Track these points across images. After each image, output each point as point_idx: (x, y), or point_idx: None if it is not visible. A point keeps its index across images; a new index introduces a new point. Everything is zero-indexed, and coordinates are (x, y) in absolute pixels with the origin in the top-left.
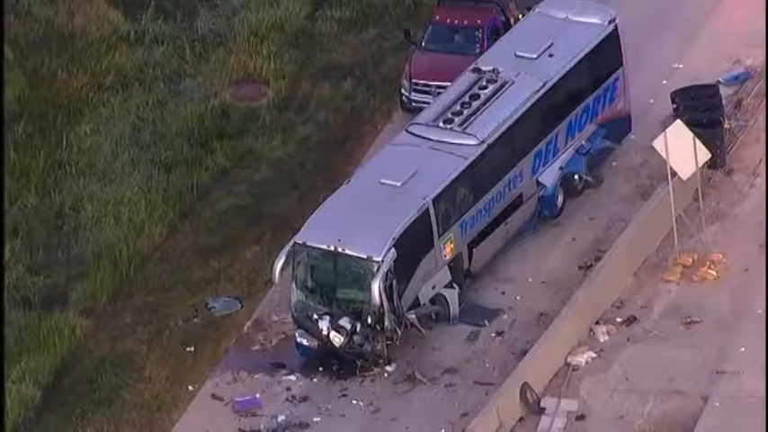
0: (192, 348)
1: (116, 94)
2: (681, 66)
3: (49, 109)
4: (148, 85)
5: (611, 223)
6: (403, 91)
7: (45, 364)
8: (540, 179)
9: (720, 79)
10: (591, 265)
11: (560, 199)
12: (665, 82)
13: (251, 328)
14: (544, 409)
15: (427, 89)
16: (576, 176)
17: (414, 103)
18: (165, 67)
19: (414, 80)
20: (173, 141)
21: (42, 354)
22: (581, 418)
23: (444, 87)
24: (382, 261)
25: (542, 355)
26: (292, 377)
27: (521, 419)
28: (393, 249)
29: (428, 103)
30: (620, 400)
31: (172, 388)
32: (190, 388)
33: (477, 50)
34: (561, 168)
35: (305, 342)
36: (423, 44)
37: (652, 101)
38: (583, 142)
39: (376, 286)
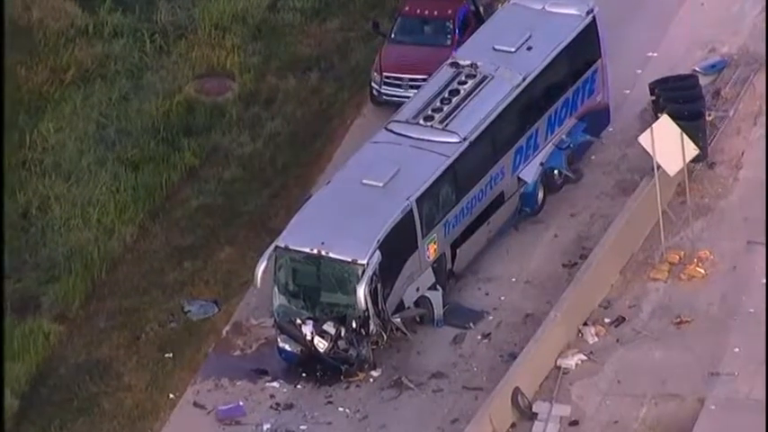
0: (171, 354)
1: (78, 90)
2: (655, 54)
3: (10, 106)
4: (110, 80)
5: (593, 219)
6: (373, 84)
7: (21, 372)
8: (520, 176)
9: (697, 68)
10: (575, 264)
11: (541, 195)
12: (639, 71)
13: (230, 333)
14: (536, 414)
15: (398, 82)
16: (556, 171)
17: (385, 97)
18: (126, 60)
19: (384, 73)
20: (138, 139)
21: (17, 361)
22: (574, 423)
23: (416, 80)
24: (367, 264)
25: (532, 359)
26: (275, 384)
27: (513, 425)
28: (378, 252)
29: (399, 96)
30: (613, 404)
31: (152, 396)
32: (171, 396)
33: (449, 42)
34: (542, 164)
35: (287, 347)
36: (392, 36)
37: (628, 91)
38: (563, 137)
39: (361, 290)
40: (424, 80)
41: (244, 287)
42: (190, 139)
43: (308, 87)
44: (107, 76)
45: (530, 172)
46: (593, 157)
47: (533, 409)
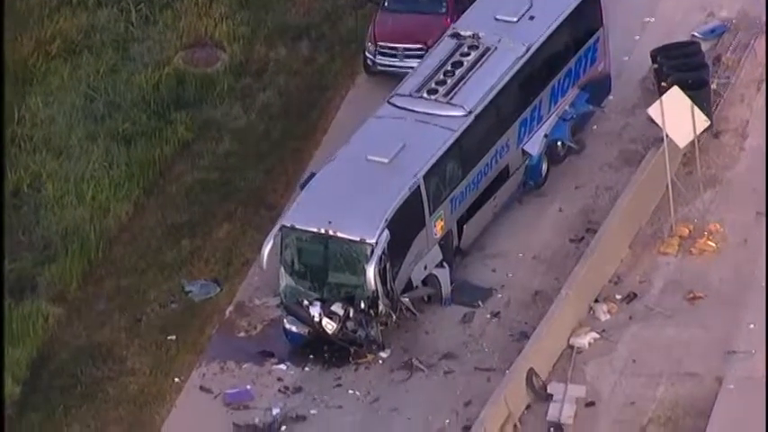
0: (174, 337)
1: (64, 63)
2: (652, 20)
3: None
4: (96, 52)
5: (597, 192)
6: (367, 54)
7: (21, 358)
8: (525, 148)
9: (696, 33)
10: (582, 238)
11: (545, 168)
12: (637, 38)
13: (233, 314)
14: (551, 395)
15: (393, 52)
16: (559, 143)
17: (379, 67)
18: (112, 31)
19: (379, 42)
20: (129, 112)
21: (17, 346)
22: (591, 404)
23: (411, 50)
24: (376, 243)
25: (545, 339)
26: (283, 366)
27: (528, 407)
28: (386, 231)
29: (395, 66)
30: (629, 384)
31: (157, 380)
32: (176, 380)
33: (444, 9)
34: (546, 136)
35: (294, 329)
36: (385, 4)
37: (626, 58)
38: (566, 107)
39: (371, 270)
40: (419, 50)
41: (245, 266)
42: (181, 112)
43: (300, 57)
44: (93, 48)
45: (534, 144)
46: (594, 128)
47: (548, 391)
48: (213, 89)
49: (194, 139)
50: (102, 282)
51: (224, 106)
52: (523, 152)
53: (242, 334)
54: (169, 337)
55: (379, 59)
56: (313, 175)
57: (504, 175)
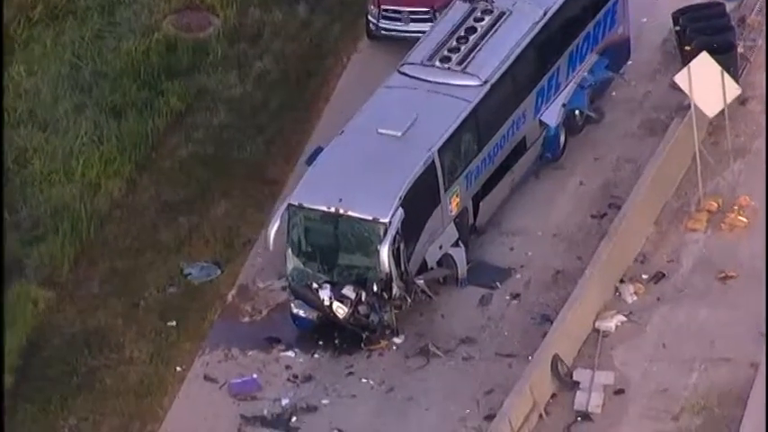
0: (174, 322)
1: (47, 29)
2: None
3: None
4: (81, 17)
5: (619, 163)
6: (370, 18)
7: (12, 345)
8: (542, 119)
9: None
10: (605, 214)
11: (563, 139)
12: None
13: (236, 298)
14: (577, 383)
15: (398, 15)
16: (577, 112)
17: (383, 31)
18: None
19: (382, 6)
20: (117, 82)
21: (7, 333)
22: (620, 392)
23: (417, 13)
24: (390, 223)
25: (569, 322)
26: (290, 354)
27: (553, 396)
28: (400, 209)
29: (399, 30)
30: (660, 370)
31: (158, 369)
32: (178, 369)
33: None
34: (564, 105)
35: (302, 313)
36: None
37: (645, 19)
38: (585, 74)
39: (385, 251)
40: (425, 13)
41: (246, 246)
42: (173, 81)
43: (297, 21)
44: (77, 13)
45: (552, 114)
46: (613, 94)
47: (574, 378)
48: (206, 56)
49: (187, 111)
50: (94, 263)
51: (218, 74)
52: (541, 123)
53: (246, 319)
54: (169, 323)
55: (383, 23)
56: (319, 149)
57: (520, 148)
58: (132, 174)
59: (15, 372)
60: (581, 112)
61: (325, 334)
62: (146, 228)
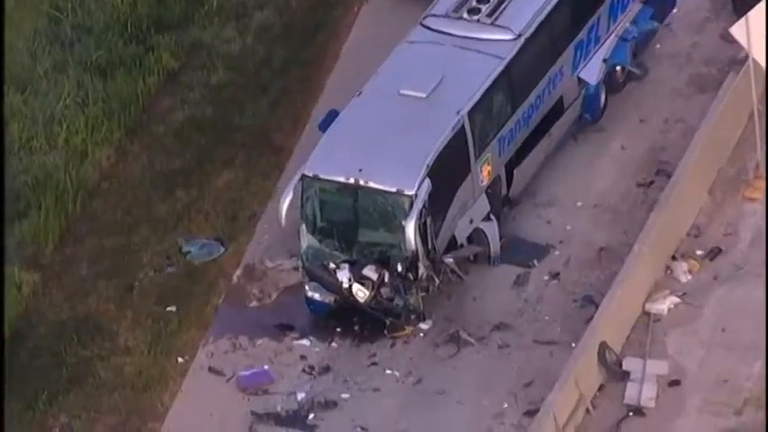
0: (173, 308)
1: None
2: None
3: None
4: None
5: (667, 125)
6: None
7: None
8: (581, 76)
9: None
10: (652, 182)
11: (603, 98)
12: None
13: (242, 279)
14: (627, 373)
15: None
16: (618, 68)
17: None
18: None
19: None
20: (102, 37)
21: None
22: (675, 383)
23: None
24: (416, 195)
25: (617, 305)
26: (305, 342)
27: (600, 388)
28: (427, 179)
29: None
30: (719, 358)
31: (157, 360)
32: (180, 360)
33: None
34: (605, 60)
35: (317, 297)
36: None
37: None
38: (627, 25)
39: (411, 226)
40: None
41: (252, 221)
42: (164, 35)
43: None
44: None
45: (592, 70)
46: (658, 47)
47: (623, 367)
48: (200, 6)
49: (181, 68)
50: (82, 241)
51: (214, 27)
52: (579, 80)
53: (254, 303)
54: (168, 309)
55: None
56: (334, 113)
57: (557, 109)
58: (122, 140)
59: None
60: (623, 68)
61: (344, 320)
62: (138, 201)
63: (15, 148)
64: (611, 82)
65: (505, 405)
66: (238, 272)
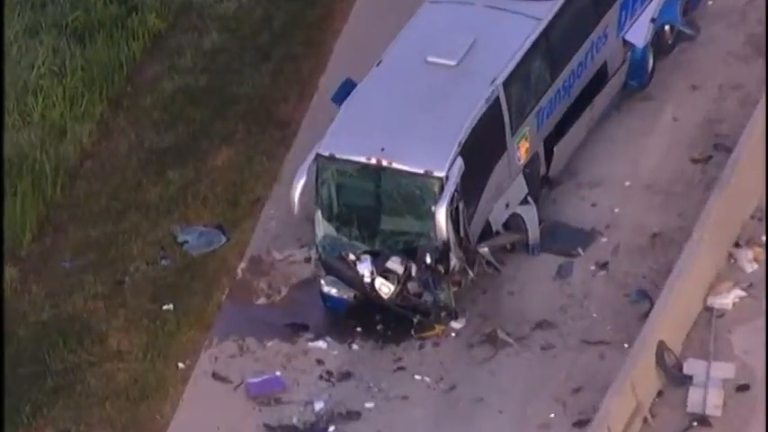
0: (170, 306)
1: None
2: None
3: None
4: None
5: (722, 92)
6: None
7: None
8: (627, 38)
9: None
10: (710, 157)
11: (651, 62)
12: None
13: (247, 272)
14: (689, 377)
15: None
16: (667, 27)
17: None
18: None
19: None
20: None
21: None
22: (744, 388)
23: None
24: (447, 177)
25: (676, 300)
26: (321, 344)
27: (659, 394)
28: (459, 158)
29: None
30: None
31: (154, 366)
32: (180, 365)
33: None
34: (653, 20)
35: (334, 292)
36: None
37: None
38: None
39: (441, 212)
40: None
41: (256, 206)
42: None
43: None
44: None
45: (639, 31)
46: (710, 3)
47: (684, 371)
48: None
49: (169, 31)
50: (64, 230)
51: None
52: (624, 43)
53: (262, 300)
54: (164, 307)
55: None
56: (350, 83)
57: (601, 76)
58: (104, 114)
59: None
60: (672, 28)
61: (365, 318)
62: (126, 183)
63: None
64: (659, 44)
65: (552, 414)
66: (243, 264)
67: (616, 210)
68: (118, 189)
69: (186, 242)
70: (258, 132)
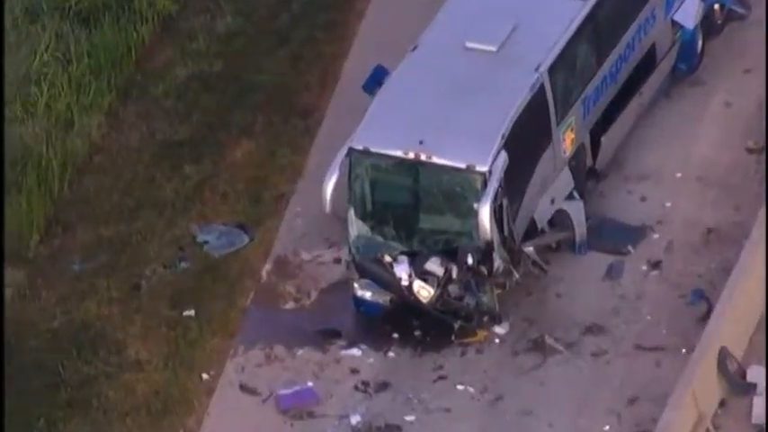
0: (192, 312)
1: None
2: None
3: None
4: None
5: None
6: None
7: None
8: (676, 18)
9: None
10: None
11: (700, 44)
12: None
13: (272, 275)
14: (753, 385)
15: None
16: (717, 6)
17: None
18: None
19: None
20: None
21: None
22: None
23: None
24: (490, 171)
25: (736, 301)
26: (356, 351)
27: (721, 404)
28: (503, 152)
29: None
30: None
31: (177, 377)
32: (204, 376)
33: None
34: None
35: (368, 296)
36: None
37: None
38: None
39: (485, 210)
40: None
41: (280, 202)
42: None
43: None
44: None
45: (689, 11)
46: None
47: (747, 378)
48: None
49: (180, 14)
50: (73, 230)
51: None
52: (673, 24)
53: (290, 305)
54: (185, 313)
55: None
56: (381, 70)
57: (649, 61)
58: (113, 104)
59: None
60: (722, 6)
61: (402, 324)
62: (139, 179)
63: None
64: (709, 24)
65: (607, 427)
66: (268, 266)
67: (667, 204)
68: (130, 185)
69: (206, 242)
70: (279, 123)
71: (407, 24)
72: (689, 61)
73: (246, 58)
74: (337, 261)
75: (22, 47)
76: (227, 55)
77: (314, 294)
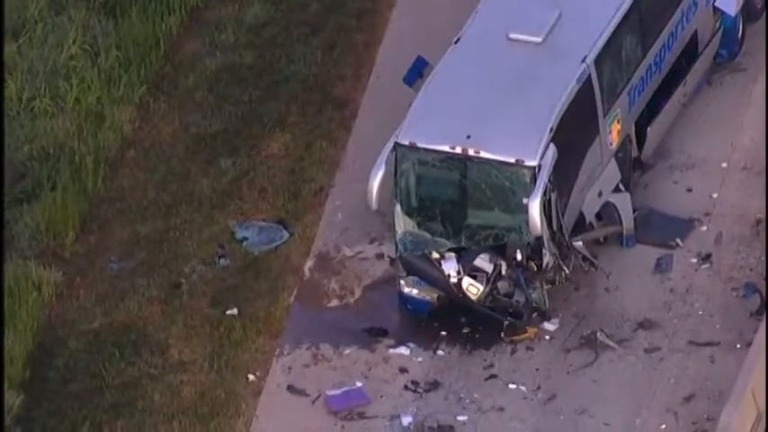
0: (235, 310)
1: None
2: None
3: None
4: None
5: None
6: None
7: (15, 352)
8: (717, 5)
9: None
10: None
11: (741, 30)
12: None
13: (315, 272)
14: None
15: None
16: None
17: None
18: None
19: None
20: None
21: (7, 335)
22: None
23: None
24: (539, 166)
25: None
26: (404, 350)
27: None
28: (552, 145)
29: None
30: None
31: (223, 378)
32: (251, 377)
33: None
34: None
35: (415, 293)
36: None
37: None
38: None
39: (535, 204)
40: None
41: (320, 196)
42: None
43: None
44: None
45: None
46: None
47: None
48: None
49: (208, 3)
50: (109, 227)
51: None
52: (714, 10)
53: (334, 303)
54: (228, 312)
55: None
56: (422, 62)
57: (692, 49)
58: (144, 97)
59: (22, 389)
60: None
61: (450, 321)
62: (174, 174)
63: (14, 111)
64: (748, 8)
65: (663, 426)
66: (309, 263)
67: (714, 195)
68: (165, 180)
69: (246, 239)
70: (314, 114)
71: (438, 11)
72: (730, 48)
73: (277, 48)
74: (380, 257)
75: (48, 39)
76: (257, 45)
77: (358, 291)
